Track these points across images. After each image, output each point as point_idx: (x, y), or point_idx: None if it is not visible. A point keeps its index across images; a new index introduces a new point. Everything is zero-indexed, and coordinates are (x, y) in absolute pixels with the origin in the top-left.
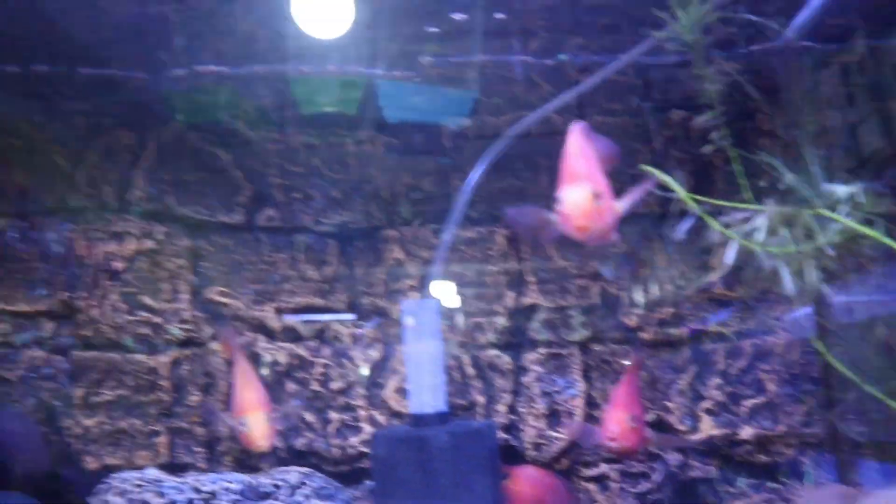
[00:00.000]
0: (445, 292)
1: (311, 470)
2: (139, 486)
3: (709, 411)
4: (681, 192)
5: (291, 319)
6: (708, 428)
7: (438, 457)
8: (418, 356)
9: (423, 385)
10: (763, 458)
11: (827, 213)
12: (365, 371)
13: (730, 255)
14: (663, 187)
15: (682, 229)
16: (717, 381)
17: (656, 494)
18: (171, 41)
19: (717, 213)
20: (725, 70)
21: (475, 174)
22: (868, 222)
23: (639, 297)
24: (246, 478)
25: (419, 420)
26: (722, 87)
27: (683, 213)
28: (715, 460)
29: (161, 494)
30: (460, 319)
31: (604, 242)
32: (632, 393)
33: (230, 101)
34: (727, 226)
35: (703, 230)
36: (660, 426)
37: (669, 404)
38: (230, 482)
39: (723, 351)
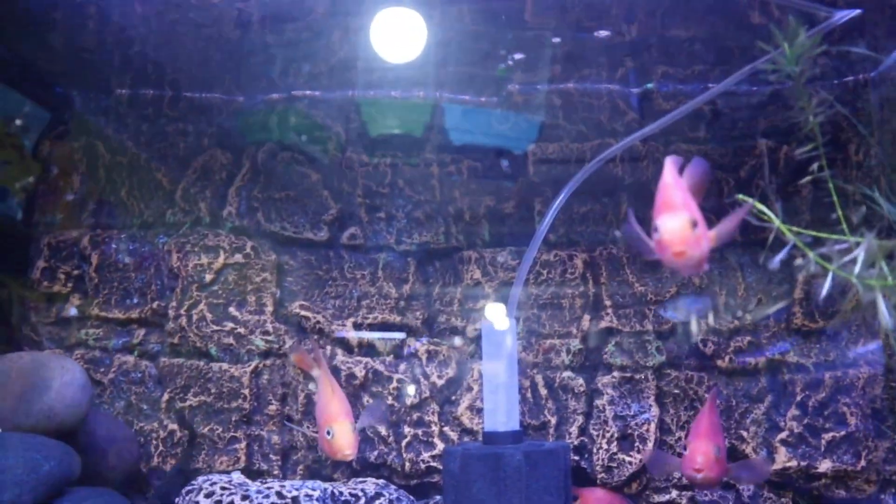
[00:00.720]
0: (521, 314)
1: (386, 482)
2: (226, 489)
3: (784, 442)
4: (776, 221)
5: (368, 335)
6: (783, 459)
7: (512, 475)
8: (494, 375)
9: (497, 404)
10: (842, 493)
11: None
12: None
13: (825, 288)
14: (757, 216)
15: (776, 260)
16: (794, 412)
17: None
18: (270, 67)
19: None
20: (826, 101)
21: (559, 198)
22: None
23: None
24: (326, 485)
25: (492, 438)
26: (823, 119)
27: (771, 243)
28: (789, 493)
29: (247, 498)
30: (536, 340)
31: (698, 271)
32: (714, 422)
33: (321, 124)
34: (824, 257)
35: (784, 261)
36: (733, 456)
37: (744, 433)
38: (312, 489)
39: (801, 382)
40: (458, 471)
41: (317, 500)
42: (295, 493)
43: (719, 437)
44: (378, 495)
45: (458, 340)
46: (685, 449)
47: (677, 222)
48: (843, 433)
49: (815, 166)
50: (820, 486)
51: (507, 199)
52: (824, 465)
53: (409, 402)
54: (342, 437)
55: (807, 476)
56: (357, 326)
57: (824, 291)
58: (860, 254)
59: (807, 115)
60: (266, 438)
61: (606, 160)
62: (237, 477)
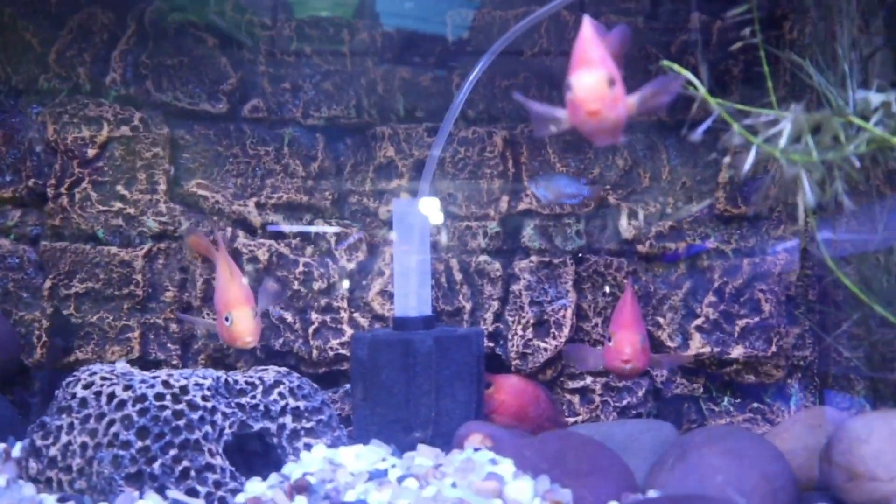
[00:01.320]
0: (437, 195)
1: (289, 370)
2: (106, 378)
3: (699, 329)
4: (702, 90)
5: (273, 216)
6: (697, 346)
7: (422, 362)
8: (405, 258)
9: (408, 289)
10: (751, 378)
11: (857, 120)
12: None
13: (748, 161)
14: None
15: (698, 131)
16: (711, 298)
17: (639, 409)
18: None
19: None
20: None
21: (476, 70)
22: None
23: (625, 220)
24: (220, 374)
25: (403, 323)
26: None
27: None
28: (701, 378)
29: (130, 388)
30: (451, 223)
31: (613, 139)
32: (636, 311)
33: None
34: (750, 130)
35: (709, 143)
36: (650, 341)
37: (661, 320)
38: (203, 378)
39: (720, 268)
40: (367, 358)
41: (208, 388)
42: (184, 381)
43: (642, 326)
44: (277, 383)
45: (368, 221)
46: (609, 340)
47: (592, 78)
48: (756, 320)
49: (747, 31)
50: (731, 371)
51: (424, 71)
52: (737, 352)
53: (316, 287)
54: (242, 323)
55: (719, 362)
56: (260, 206)
57: (747, 165)
58: (786, 126)
59: None
60: (163, 327)
61: (528, 28)
62: (122, 366)
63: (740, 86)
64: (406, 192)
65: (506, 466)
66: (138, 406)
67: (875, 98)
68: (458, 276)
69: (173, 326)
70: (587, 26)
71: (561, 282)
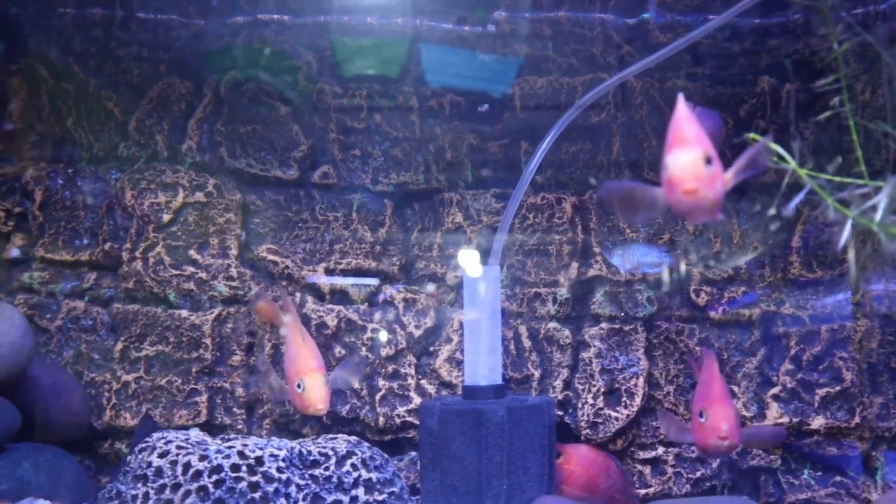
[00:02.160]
0: (506, 261)
1: (359, 439)
2: (182, 447)
3: (776, 397)
4: (793, 163)
5: (342, 281)
6: (775, 415)
7: (494, 432)
8: (476, 326)
9: (478, 356)
10: (833, 450)
11: None
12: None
13: (844, 235)
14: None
15: (792, 205)
16: (787, 366)
17: (713, 481)
18: None
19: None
20: (852, 27)
21: (547, 137)
22: None
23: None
24: (293, 444)
25: (472, 392)
26: (849, 47)
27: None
28: (779, 450)
29: (206, 458)
30: (520, 289)
31: (712, 217)
32: (724, 385)
33: (290, 51)
34: (842, 203)
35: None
36: None
37: (735, 388)
38: (277, 449)
39: (796, 334)
40: (436, 427)
41: (283, 460)
42: (259, 452)
43: (731, 399)
44: (350, 454)
45: (436, 287)
46: (701, 416)
47: (689, 157)
48: (837, 388)
49: (836, 100)
50: (811, 442)
51: (492, 138)
52: (817, 422)
53: (384, 353)
54: (314, 390)
55: (799, 433)
56: (329, 272)
57: (843, 240)
58: (882, 199)
59: (832, 41)
60: (230, 391)
61: (598, 97)
62: (195, 434)
63: (813, 149)
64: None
65: None
66: (214, 477)
67: None
68: (527, 344)
69: (239, 390)
70: (682, 105)
71: (632, 349)
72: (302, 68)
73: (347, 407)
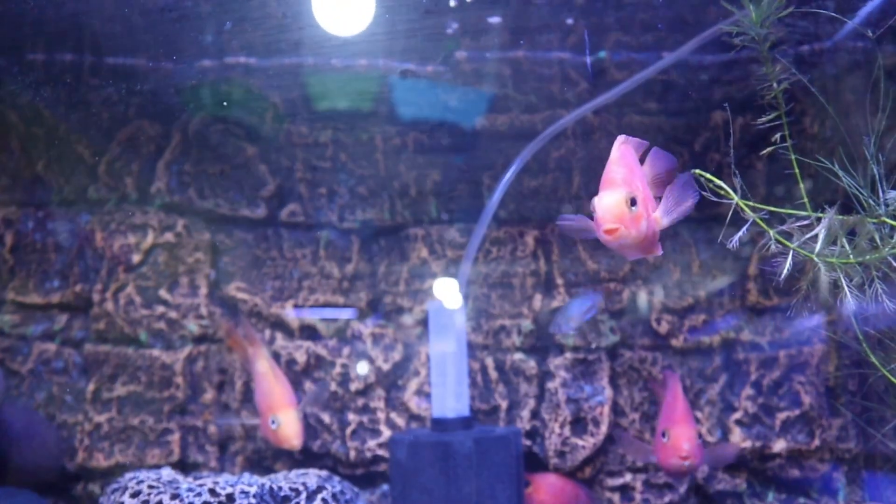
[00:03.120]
0: (470, 294)
1: (330, 473)
2: (153, 487)
3: (739, 422)
4: (735, 197)
5: (311, 317)
6: (738, 440)
7: (462, 463)
8: (442, 359)
9: (446, 389)
10: (795, 473)
11: (892, 221)
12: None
13: (786, 266)
14: (714, 193)
15: (735, 239)
16: (748, 391)
17: None
18: (200, 32)
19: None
20: (789, 68)
21: (508, 172)
22: None
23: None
24: (263, 481)
25: (441, 424)
26: (786, 87)
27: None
28: (743, 473)
29: (177, 497)
30: (485, 322)
31: (647, 254)
32: (687, 406)
33: (257, 93)
34: (784, 234)
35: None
36: None
37: (699, 414)
38: (248, 485)
39: (755, 360)
40: (406, 460)
41: (254, 496)
42: (230, 489)
43: (694, 420)
44: (320, 489)
45: (406, 321)
46: (663, 436)
47: (611, 199)
48: (797, 412)
49: (777, 136)
50: (774, 466)
51: (455, 174)
52: (779, 445)
53: (353, 387)
54: (289, 426)
55: (761, 456)
56: (298, 309)
57: (784, 270)
58: (821, 231)
59: (771, 80)
60: (202, 429)
61: (557, 132)
62: (167, 473)
63: (766, 181)
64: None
65: None
66: None
67: None
68: (494, 375)
69: (212, 428)
70: (616, 147)
71: (596, 378)
72: (269, 109)
73: (318, 442)
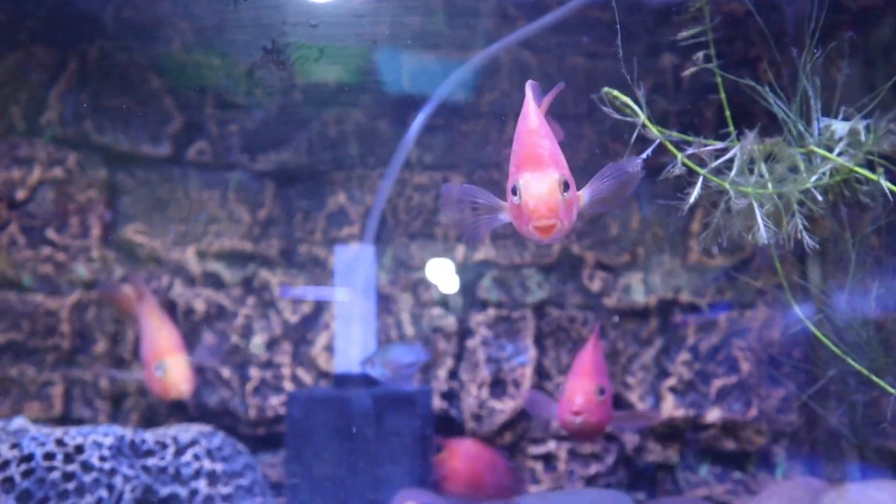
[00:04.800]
0: (389, 243)
1: (214, 429)
2: None
3: (673, 390)
4: (642, 116)
5: (215, 265)
6: (670, 408)
7: (359, 422)
8: (348, 310)
9: (351, 343)
10: (731, 445)
11: (819, 150)
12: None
13: (693, 194)
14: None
15: (638, 160)
16: (685, 357)
17: (608, 478)
18: None
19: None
20: None
21: (422, 113)
22: (869, 164)
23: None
24: (124, 431)
25: (344, 381)
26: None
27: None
28: (676, 444)
29: (17, 446)
30: (403, 273)
31: (559, 240)
32: (598, 361)
33: (165, 20)
34: (694, 159)
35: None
36: (617, 404)
37: (630, 380)
38: (104, 435)
39: (694, 324)
40: (300, 416)
41: (108, 448)
42: (80, 440)
43: (603, 377)
44: (193, 443)
45: (320, 272)
46: (561, 390)
47: (543, 185)
48: (734, 380)
49: (700, 55)
50: (709, 437)
51: (380, 114)
52: (713, 415)
53: (257, 340)
54: (175, 371)
55: (695, 426)
56: (201, 255)
57: (691, 198)
58: (737, 155)
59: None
60: (90, 382)
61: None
62: (18, 423)
63: (713, 128)
64: (357, 241)
65: None
66: (23, 466)
67: (840, 126)
68: (410, 331)
69: (103, 382)
70: (530, 104)
71: (520, 337)
72: (175, 38)
73: (216, 398)
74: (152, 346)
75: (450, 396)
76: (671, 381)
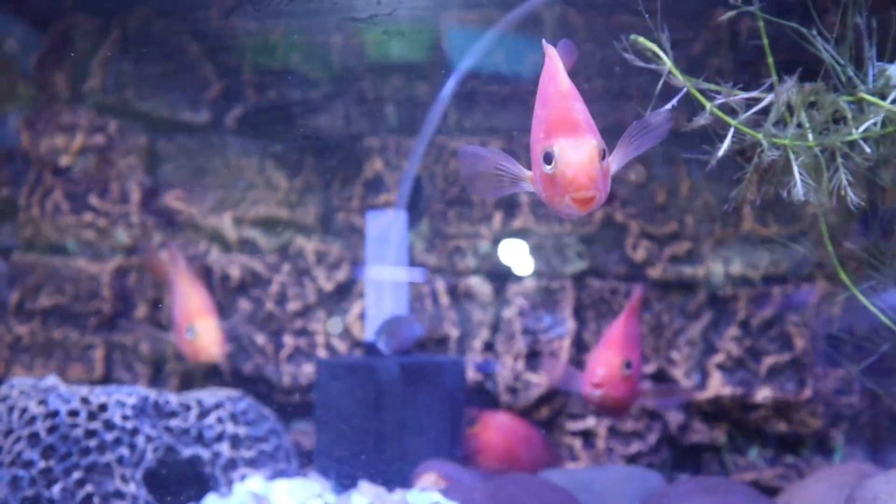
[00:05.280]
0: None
1: (242, 394)
2: (24, 392)
3: (721, 367)
4: (668, 62)
5: (251, 232)
6: (717, 386)
7: (386, 391)
8: (380, 277)
9: (382, 311)
10: (783, 427)
11: (869, 97)
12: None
13: (724, 146)
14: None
15: (663, 110)
16: (734, 332)
17: (650, 457)
18: None
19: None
20: None
21: (455, 75)
22: None
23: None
24: (148, 392)
25: (374, 349)
26: None
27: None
28: (724, 425)
29: (43, 403)
30: (439, 241)
31: (592, 211)
32: (629, 333)
33: None
34: (726, 110)
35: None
36: (660, 379)
37: (675, 355)
38: (128, 395)
39: (745, 298)
40: (327, 383)
41: (132, 407)
42: (104, 399)
43: (632, 350)
44: (218, 406)
45: (357, 239)
46: (587, 363)
47: (584, 153)
48: (787, 358)
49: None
50: (758, 418)
51: (418, 78)
52: (762, 394)
53: (291, 308)
54: (206, 334)
55: (743, 406)
56: (238, 221)
57: (721, 150)
58: (775, 103)
59: None
60: (131, 347)
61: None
62: (51, 381)
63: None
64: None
65: None
66: (49, 422)
67: (893, 69)
68: (445, 300)
69: (143, 347)
70: (555, 63)
71: (559, 308)
72: (214, 4)
73: (250, 365)
74: (184, 310)
75: (485, 368)
76: (719, 358)
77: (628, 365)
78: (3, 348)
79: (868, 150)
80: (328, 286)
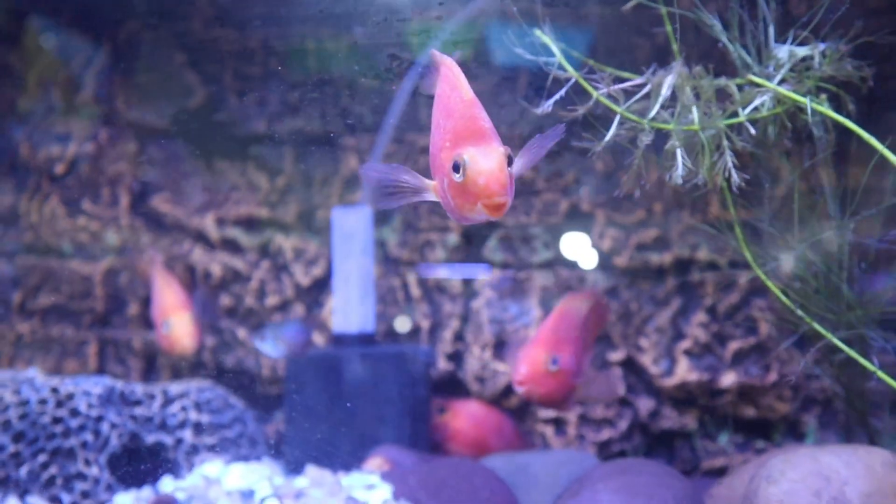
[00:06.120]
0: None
1: (212, 385)
2: (2, 384)
3: (688, 353)
4: (557, 53)
5: (232, 231)
6: (684, 372)
7: (346, 380)
8: (346, 270)
9: (348, 304)
10: (751, 412)
11: (757, 79)
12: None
13: (610, 133)
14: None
15: (548, 103)
16: (701, 318)
17: (622, 444)
18: None
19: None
20: None
21: (414, 71)
22: (818, 92)
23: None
24: (115, 383)
25: (341, 341)
26: None
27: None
28: (694, 411)
29: (17, 392)
30: (410, 235)
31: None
32: (562, 329)
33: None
34: (611, 98)
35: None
36: (631, 367)
37: (644, 342)
38: (94, 385)
39: (712, 283)
40: (294, 375)
41: (97, 396)
42: (71, 388)
43: (562, 346)
44: (182, 395)
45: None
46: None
47: (494, 160)
48: (752, 342)
49: None
50: (726, 403)
51: (392, 81)
52: (728, 379)
53: (269, 302)
54: (180, 328)
55: (710, 392)
56: (220, 221)
57: (607, 136)
58: (656, 88)
59: None
60: (124, 342)
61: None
62: (31, 373)
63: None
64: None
65: (379, 493)
66: (20, 410)
67: (783, 51)
68: (417, 292)
69: (136, 342)
70: (452, 70)
71: (526, 298)
72: (196, 15)
73: (232, 358)
74: (160, 307)
75: (456, 358)
76: (686, 344)
77: (555, 361)
78: (7, 345)
79: (753, 131)
80: (305, 281)
